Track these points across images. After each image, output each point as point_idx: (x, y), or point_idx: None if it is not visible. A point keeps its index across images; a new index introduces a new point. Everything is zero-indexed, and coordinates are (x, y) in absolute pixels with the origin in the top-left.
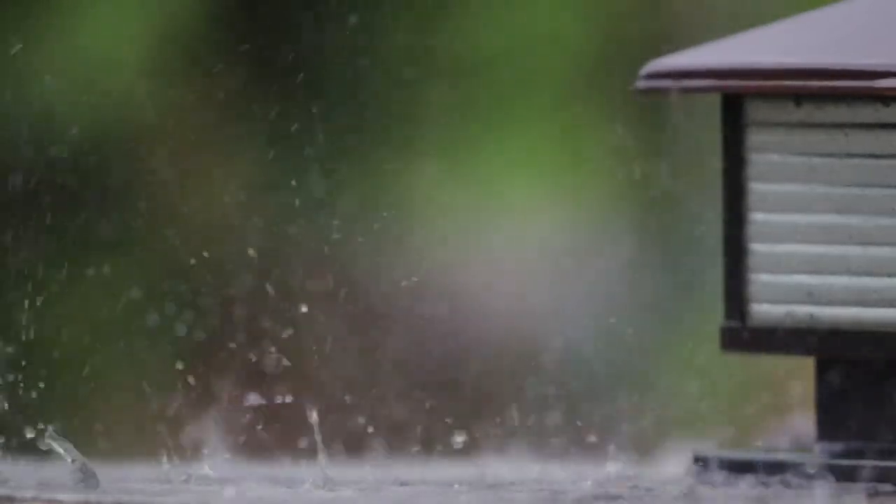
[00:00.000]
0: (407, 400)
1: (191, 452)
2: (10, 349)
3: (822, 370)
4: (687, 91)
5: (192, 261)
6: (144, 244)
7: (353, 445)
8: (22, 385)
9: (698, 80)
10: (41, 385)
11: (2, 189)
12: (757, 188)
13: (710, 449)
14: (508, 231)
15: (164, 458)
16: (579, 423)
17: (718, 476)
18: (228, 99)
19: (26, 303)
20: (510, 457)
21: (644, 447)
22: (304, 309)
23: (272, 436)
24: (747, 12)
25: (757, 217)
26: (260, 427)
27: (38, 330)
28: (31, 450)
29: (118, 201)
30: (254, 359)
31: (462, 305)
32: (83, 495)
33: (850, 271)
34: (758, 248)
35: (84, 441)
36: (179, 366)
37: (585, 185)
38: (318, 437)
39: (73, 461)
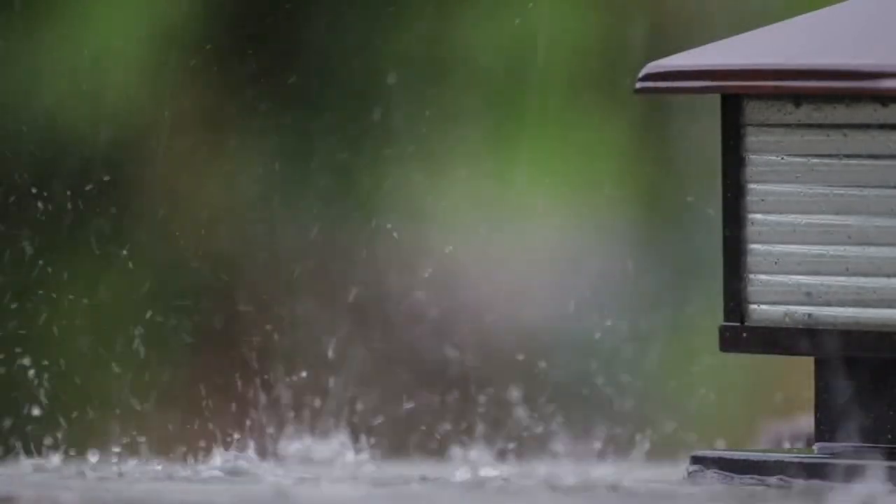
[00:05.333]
0: (408, 396)
1: (193, 451)
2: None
3: (820, 370)
4: (686, 92)
5: (193, 259)
6: (145, 242)
7: (355, 444)
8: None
9: (697, 81)
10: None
11: (2, 188)
12: (756, 189)
13: (709, 449)
14: (511, 230)
15: (162, 457)
16: (579, 423)
17: (717, 476)
18: (230, 99)
19: (26, 301)
20: (509, 455)
21: (643, 446)
22: (307, 307)
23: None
24: (747, 13)
25: (756, 217)
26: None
27: (36, 331)
28: (32, 450)
29: (121, 199)
30: (257, 356)
31: (464, 304)
32: (83, 495)
33: (848, 272)
34: (757, 248)
35: (86, 437)
36: (181, 364)
37: (588, 184)
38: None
39: None
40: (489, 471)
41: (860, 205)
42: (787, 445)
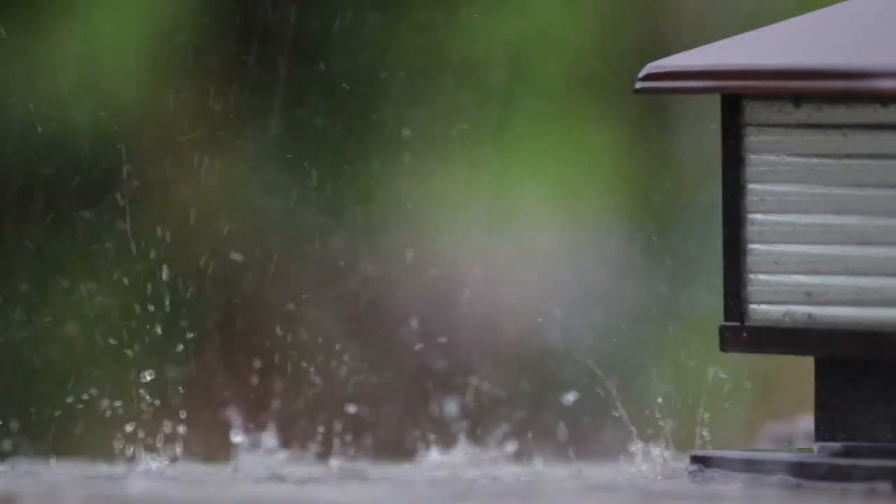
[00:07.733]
0: (409, 397)
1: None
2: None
3: (821, 370)
4: (686, 92)
5: (192, 260)
6: (145, 242)
7: (357, 444)
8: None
9: (697, 81)
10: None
11: (2, 188)
12: (756, 189)
13: (709, 449)
14: (509, 231)
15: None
16: (577, 423)
17: (717, 476)
18: (231, 99)
19: (23, 301)
20: (508, 453)
21: (642, 446)
22: (308, 308)
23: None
24: (747, 13)
25: (756, 217)
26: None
27: (36, 329)
28: (32, 451)
29: (119, 199)
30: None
31: (460, 306)
32: (83, 494)
33: (848, 271)
34: (757, 248)
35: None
36: (181, 361)
37: (586, 184)
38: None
39: None
40: (487, 470)
41: (860, 205)
42: (786, 445)
